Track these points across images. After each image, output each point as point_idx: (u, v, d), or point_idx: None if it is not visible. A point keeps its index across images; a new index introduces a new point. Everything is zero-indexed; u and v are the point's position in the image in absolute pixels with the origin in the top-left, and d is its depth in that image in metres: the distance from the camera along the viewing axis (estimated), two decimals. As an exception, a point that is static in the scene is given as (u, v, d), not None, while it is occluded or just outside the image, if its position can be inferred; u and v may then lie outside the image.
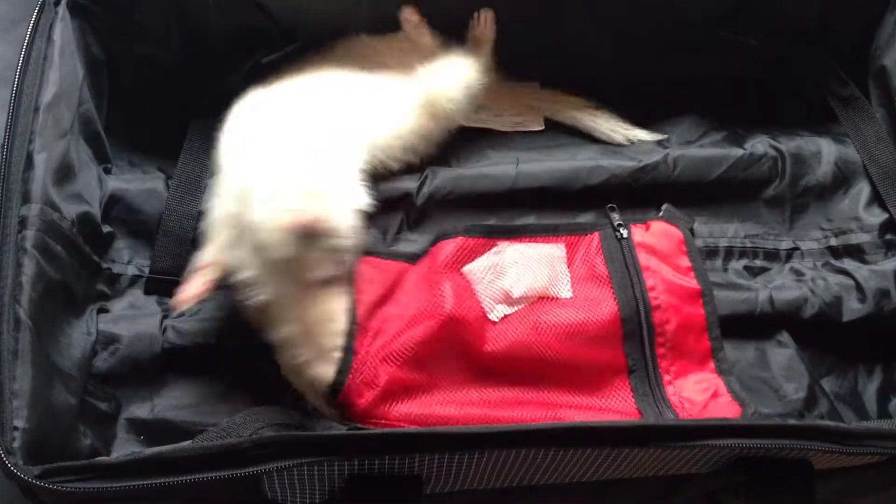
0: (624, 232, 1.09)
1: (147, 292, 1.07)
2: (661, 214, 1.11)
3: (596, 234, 1.09)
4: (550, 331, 1.01)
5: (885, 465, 0.93)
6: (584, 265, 1.07)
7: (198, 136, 1.11)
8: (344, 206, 0.96)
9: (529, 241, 1.08)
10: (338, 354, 0.96)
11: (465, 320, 0.99)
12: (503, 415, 0.97)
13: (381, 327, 0.99)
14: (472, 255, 1.06)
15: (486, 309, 1.02)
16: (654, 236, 1.08)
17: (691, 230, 1.10)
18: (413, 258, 1.08)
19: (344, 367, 0.95)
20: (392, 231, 1.11)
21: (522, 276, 1.05)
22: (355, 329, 0.98)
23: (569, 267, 1.07)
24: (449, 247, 1.06)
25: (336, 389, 0.95)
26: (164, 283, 1.06)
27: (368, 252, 1.04)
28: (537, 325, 1.01)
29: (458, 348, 0.99)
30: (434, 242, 1.07)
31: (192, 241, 1.06)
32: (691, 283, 1.06)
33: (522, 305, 1.03)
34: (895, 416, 1.04)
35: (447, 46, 1.15)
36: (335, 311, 0.97)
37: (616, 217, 1.10)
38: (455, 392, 0.99)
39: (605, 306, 1.03)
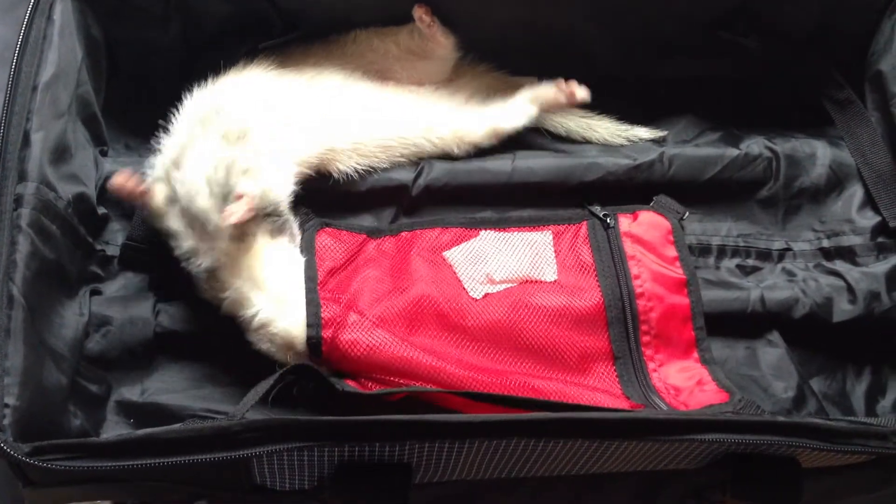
0: (611, 221, 1.10)
1: (121, 262, 1.06)
2: (651, 204, 1.12)
3: (583, 223, 1.11)
4: (532, 312, 1.03)
5: (872, 465, 0.93)
6: (570, 253, 1.09)
7: None
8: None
9: (516, 231, 1.10)
10: (300, 304, 0.98)
11: (444, 298, 1.02)
12: (481, 378, 0.98)
13: (352, 300, 1.01)
14: (450, 244, 1.08)
15: (468, 288, 1.04)
16: (642, 226, 1.10)
17: (681, 221, 1.11)
18: (373, 232, 1.09)
19: (314, 319, 0.97)
20: (386, 221, 1.12)
21: (504, 260, 1.07)
22: (315, 280, 1.01)
23: (555, 254, 1.08)
24: (425, 235, 1.08)
25: (314, 343, 0.96)
26: (138, 252, 1.06)
27: (326, 223, 1.07)
28: (518, 305, 1.03)
29: (436, 321, 1.01)
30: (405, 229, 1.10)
31: None
32: (677, 272, 1.07)
33: (504, 287, 1.05)
34: (882, 417, 1.04)
35: (458, 46, 1.16)
36: (281, 261, 1.01)
37: (598, 209, 1.11)
38: (435, 346, 1.00)
39: (589, 293, 1.05)
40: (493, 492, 1.00)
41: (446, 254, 1.07)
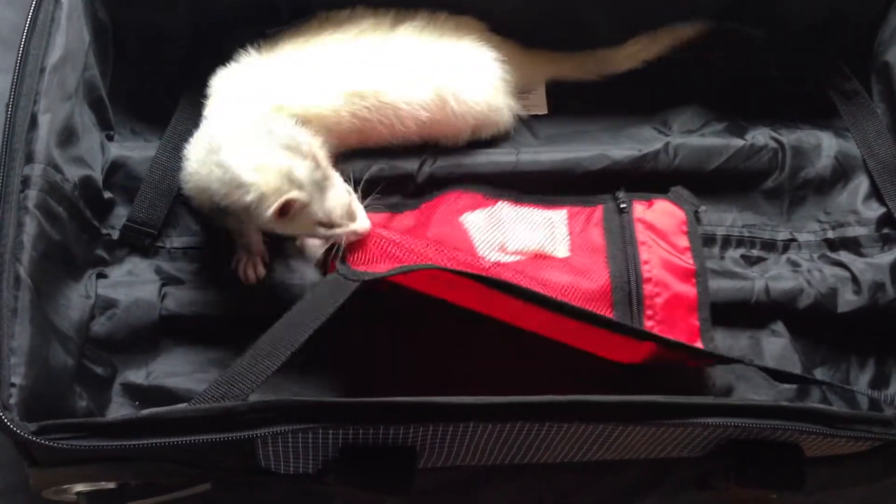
0: (625, 206, 1.10)
1: (121, 240, 1.07)
2: (668, 194, 1.12)
3: (599, 206, 1.11)
4: (539, 288, 1.02)
5: (876, 453, 0.93)
6: (582, 234, 1.10)
7: (193, 98, 1.10)
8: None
9: (532, 207, 1.10)
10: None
11: (452, 263, 1.01)
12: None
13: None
14: (466, 208, 1.09)
15: (481, 254, 1.05)
16: (656, 213, 1.10)
17: (697, 213, 1.11)
18: (394, 207, 1.10)
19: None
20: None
21: (519, 231, 1.08)
22: None
23: (569, 232, 1.09)
24: (444, 200, 1.09)
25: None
26: (139, 233, 1.07)
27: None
28: (526, 279, 1.03)
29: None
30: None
31: (173, 196, 1.08)
32: (687, 262, 1.07)
33: (516, 259, 1.05)
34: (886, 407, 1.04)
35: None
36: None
37: (620, 195, 1.12)
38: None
39: (596, 274, 1.06)
40: (498, 477, 1.01)
41: (462, 218, 1.08)
